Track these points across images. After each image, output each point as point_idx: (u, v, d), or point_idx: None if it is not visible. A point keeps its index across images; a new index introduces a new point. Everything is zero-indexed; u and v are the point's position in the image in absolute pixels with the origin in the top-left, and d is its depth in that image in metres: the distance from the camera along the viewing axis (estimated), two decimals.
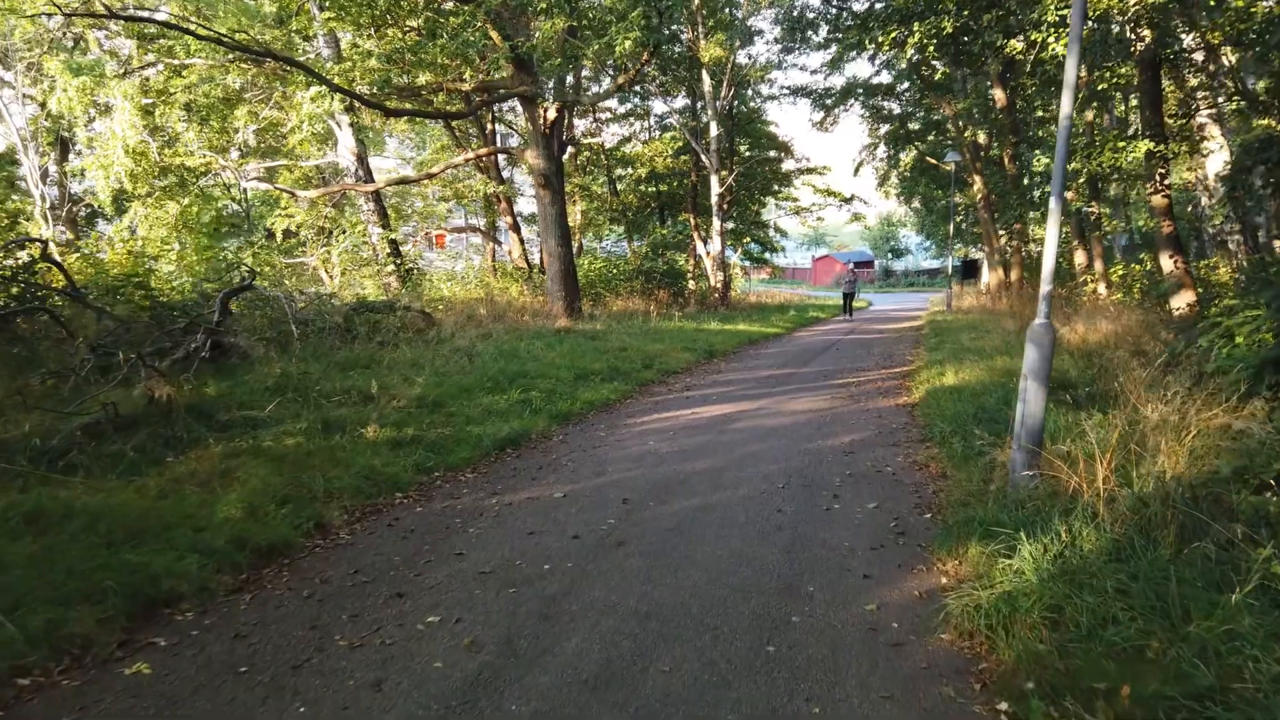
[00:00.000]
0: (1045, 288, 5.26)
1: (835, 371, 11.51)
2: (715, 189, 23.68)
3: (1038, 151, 27.80)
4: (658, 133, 31.07)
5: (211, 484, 4.92)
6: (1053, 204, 5.14)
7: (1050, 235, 5.19)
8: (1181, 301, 11.00)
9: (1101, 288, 16.64)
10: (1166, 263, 11.07)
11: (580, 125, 30.13)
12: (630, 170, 30.10)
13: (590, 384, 9.44)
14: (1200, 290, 11.12)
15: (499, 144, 22.60)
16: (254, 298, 10.14)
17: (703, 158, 24.36)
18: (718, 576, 4.05)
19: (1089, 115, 17.05)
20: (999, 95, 21.42)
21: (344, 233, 18.42)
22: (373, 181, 18.96)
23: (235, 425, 6.11)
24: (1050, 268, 5.24)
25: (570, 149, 23.79)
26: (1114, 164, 9.94)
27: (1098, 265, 16.98)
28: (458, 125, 21.74)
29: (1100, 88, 11.85)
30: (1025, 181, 24.71)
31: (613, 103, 33.63)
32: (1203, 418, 5.03)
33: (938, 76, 16.00)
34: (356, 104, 18.68)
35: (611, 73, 24.24)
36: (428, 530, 4.77)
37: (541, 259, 18.30)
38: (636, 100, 30.59)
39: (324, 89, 14.69)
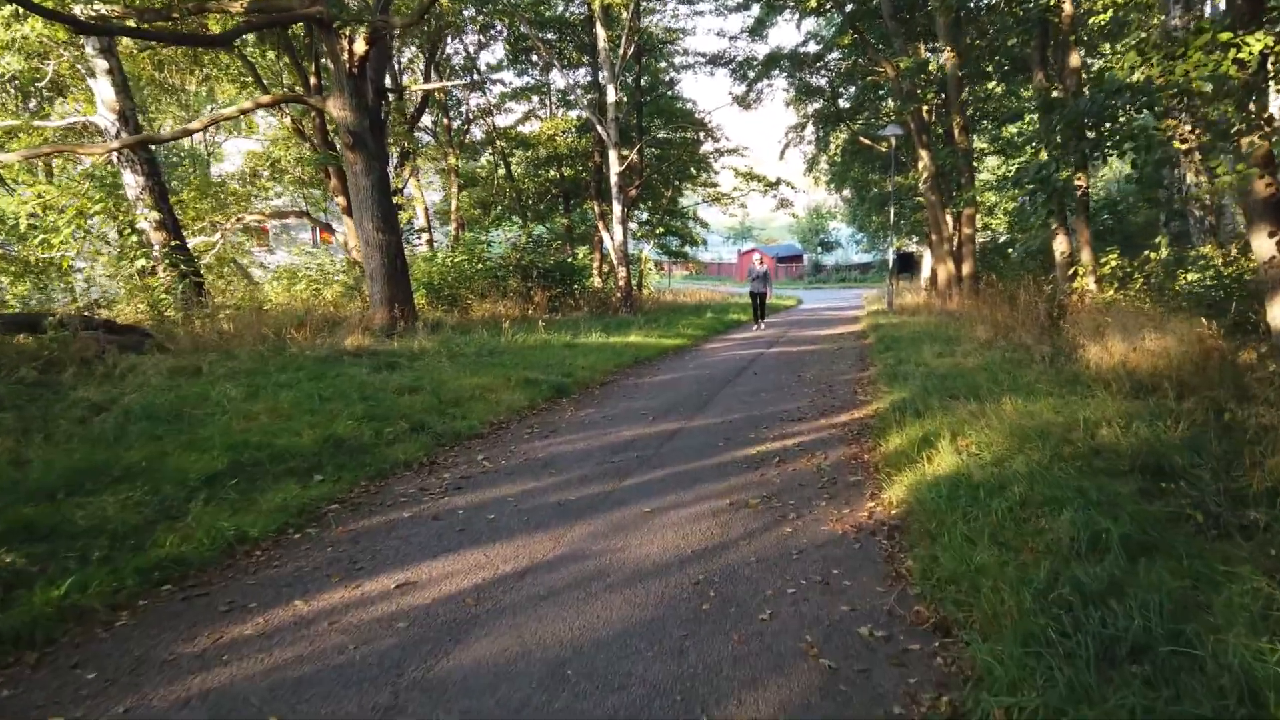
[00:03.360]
0: None
1: (746, 426, 6.74)
2: (614, 167, 18.77)
3: (977, 132, 23.87)
4: (561, 111, 25.97)
5: None
6: None
7: None
8: None
9: (1090, 282, 12.43)
10: (1264, 245, 6.74)
11: (475, 101, 24.92)
12: (529, 152, 24.94)
13: (241, 492, 4.42)
14: None
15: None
16: None
17: (599, 129, 19.42)
18: None
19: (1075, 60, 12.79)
20: (947, 54, 17.14)
21: (85, 217, 12.90)
22: (145, 148, 13.47)
23: None
24: None
25: (404, 102, 18.56)
26: (1212, 71, 5.47)
27: (1085, 254, 12.74)
28: (269, 72, 16.28)
29: None
30: (975, 162, 20.74)
31: (508, 75, 28.50)
32: None
33: None
34: (119, 47, 13.38)
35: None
36: None
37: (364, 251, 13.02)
38: (536, 74, 25.51)
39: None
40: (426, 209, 21.06)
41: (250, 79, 15.95)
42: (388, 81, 18.00)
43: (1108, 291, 12.27)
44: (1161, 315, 8.79)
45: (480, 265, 15.80)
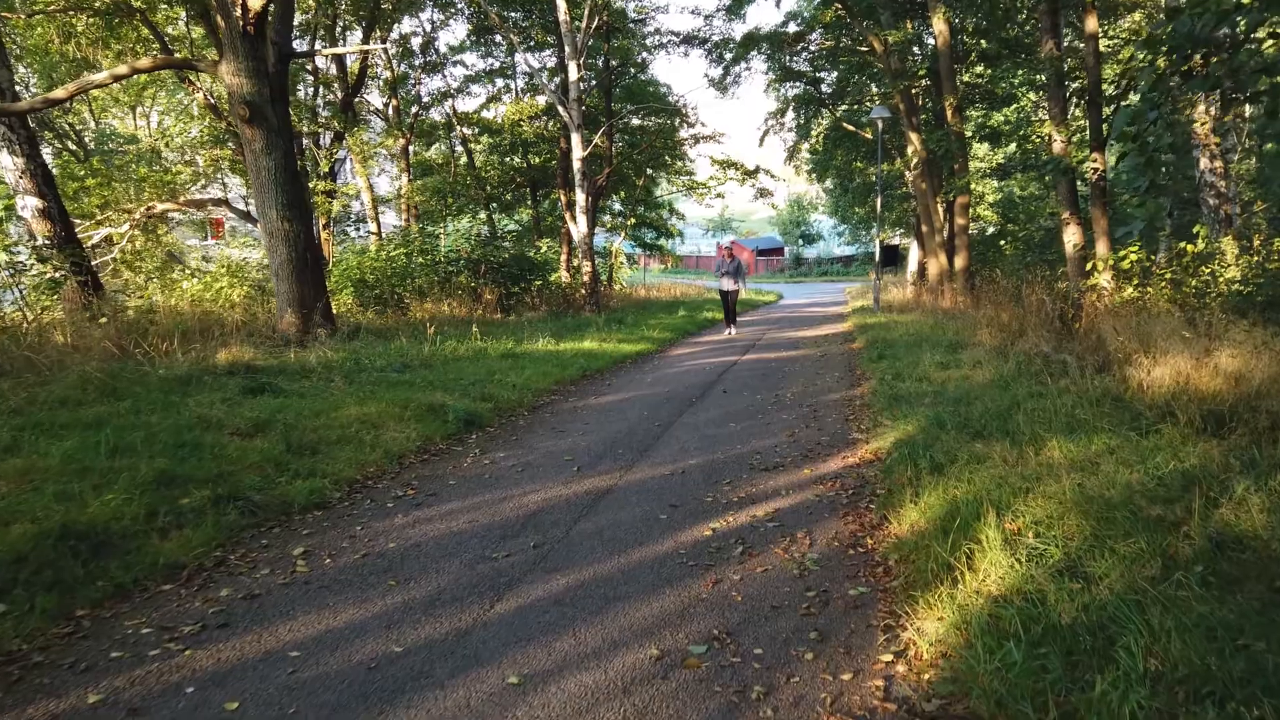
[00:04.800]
0: None
1: (703, 481, 4.89)
2: (577, 151, 16.83)
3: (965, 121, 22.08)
4: (528, 95, 23.88)
5: None
6: None
7: None
8: None
9: (1107, 279, 10.69)
10: None
11: (436, 84, 22.85)
12: (492, 138, 22.85)
13: None
14: None
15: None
16: None
17: (561, 111, 17.43)
18: None
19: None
20: (939, 27, 15.37)
21: None
22: (25, 125, 11.39)
23: None
24: None
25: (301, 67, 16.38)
26: None
27: (1102, 246, 10.99)
28: (197, 47, 14.16)
29: None
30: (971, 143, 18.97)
31: (471, 58, 26.33)
32: None
33: None
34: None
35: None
36: None
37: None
38: (501, 55, 23.42)
39: None
40: (374, 197, 18.93)
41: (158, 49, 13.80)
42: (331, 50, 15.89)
43: (1127, 289, 10.54)
44: (1221, 321, 7.02)
45: (421, 260, 13.80)
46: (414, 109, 21.29)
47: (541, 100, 22.40)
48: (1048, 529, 3.51)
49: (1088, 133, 11.40)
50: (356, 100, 19.25)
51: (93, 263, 14.28)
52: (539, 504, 4.38)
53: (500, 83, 23.96)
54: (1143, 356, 6.48)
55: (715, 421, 6.55)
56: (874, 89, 22.54)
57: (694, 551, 3.70)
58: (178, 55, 11.13)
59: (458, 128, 22.20)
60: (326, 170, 14.94)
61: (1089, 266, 10.66)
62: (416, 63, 21.47)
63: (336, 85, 17.05)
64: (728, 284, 13.57)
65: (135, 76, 16.93)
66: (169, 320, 9.37)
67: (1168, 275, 10.28)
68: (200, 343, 8.23)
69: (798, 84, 23.65)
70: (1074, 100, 14.05)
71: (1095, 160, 10.91)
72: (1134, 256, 10.84)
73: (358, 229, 18.58)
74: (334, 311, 11.11)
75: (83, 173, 13.70)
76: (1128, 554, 3.21)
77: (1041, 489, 3.94)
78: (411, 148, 20.33)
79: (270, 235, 10.01)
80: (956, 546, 3.36)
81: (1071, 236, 11.40)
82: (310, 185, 14.78)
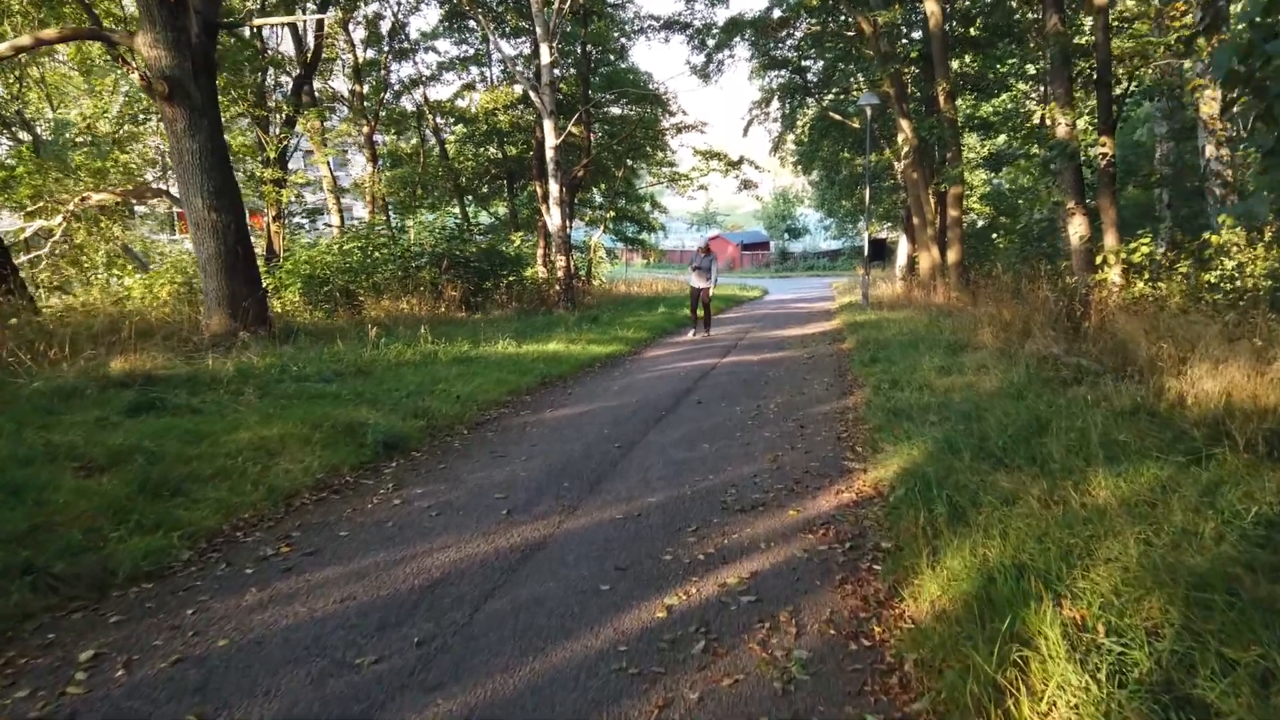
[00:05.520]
0: None
1: (663, 527, 3.86)
2: (550, 140, 15.69)
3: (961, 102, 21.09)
4: (504, 84, 22.69)
5: None
6: None
7: None
8: None
9: (1116, 273, 9.75)
10: None
11: (407, 71, 21.60)
12: (466, 127, 21.65)
13: None
14: None
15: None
16: None
17: (534, 97, 16.31)
18: None
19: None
20: (931, 8, 14.39)
21: None
22: None
23: None
24: None
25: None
26: None
27: (1110, 239, 10.05)
28: (119, 14, 12.95)
29: None
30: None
31: (445, 44, 25.09)
32: None
33: None
34: None
35: None
36: None
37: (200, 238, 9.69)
38: (476, 42, 22.21)
39: None
40: (334, 187, 17.71)
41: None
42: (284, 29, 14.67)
43: (1137, 285, 9.64)
44: (1266, 322, 6.06)
45: (377, 254, 12.66)
46: (382, 95, 20.06)
47: (518, 89, 21.25)
48: (1121, 617, 2.52)
49: (1095, 115, 10.48)
50: (319, 86, 18.06)
51: (23, 258, 13.06)
52: (445, 568, 3.33)
53: (475, 70, 22.79)
54: (1180, 363, 5.52)
55: (686, 441, 5.52)
56: (861, 78, 21.56)
57: (639, 648, 2.68)
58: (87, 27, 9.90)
59: (429, 116, 21.01)
60: (275, 156, 13.75)
61: (1098, 260, 9.73)
62: (385, 48, 20.26)
63: (290, 66, 15.84)
64: (697, 280, 12.28)
65: (52, 51, 15.61)
66: (80, 321, 8.25)
67: (1181, 269, 9.38)
68: (104, 348, 7.10)
69: (783, 72, 22.61)
70: (1078, 81, 13.08)
71: (1104, 145, 9.97)
72: (1145, 249, 9.94)
73: (314, 220, 17.39)
74: (274, 310, 10.00)
75: (12, 160, 12.47)
76: (1247, 665, 2.22)
77: (1101, 551, 2.95)
78: (381, 137, 19.11)
79: (196, 226, 8.88)
80: (1004, 651, 2.36)
81: (1077, 228, 10.45)
82: (258, 173, 13.60)
